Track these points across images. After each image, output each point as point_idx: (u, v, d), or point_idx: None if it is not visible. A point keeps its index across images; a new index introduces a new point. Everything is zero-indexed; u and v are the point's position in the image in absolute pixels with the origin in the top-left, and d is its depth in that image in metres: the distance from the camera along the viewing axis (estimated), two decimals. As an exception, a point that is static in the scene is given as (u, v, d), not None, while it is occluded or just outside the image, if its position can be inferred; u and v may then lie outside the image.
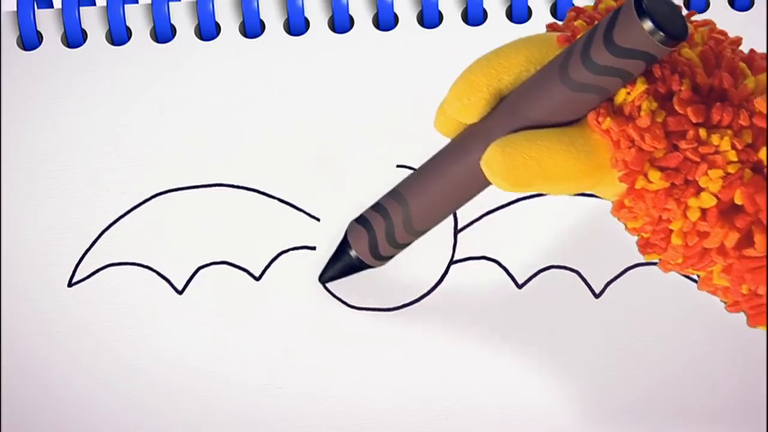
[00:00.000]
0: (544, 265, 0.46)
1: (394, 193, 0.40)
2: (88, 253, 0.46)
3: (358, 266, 0.43)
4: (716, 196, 0.34)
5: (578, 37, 0.35)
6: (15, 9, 0.49)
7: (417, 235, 0.41)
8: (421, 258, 0.46)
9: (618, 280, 0.45)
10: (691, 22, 0.36)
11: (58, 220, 0.46)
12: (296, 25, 0.48)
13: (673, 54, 0.35)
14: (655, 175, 0.34)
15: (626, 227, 0.36)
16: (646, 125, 0.34)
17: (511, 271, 0.46)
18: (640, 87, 0.34)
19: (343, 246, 0.43)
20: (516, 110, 0.36)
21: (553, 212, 0.46)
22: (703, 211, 0.34)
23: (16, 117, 0.47)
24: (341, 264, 0.44)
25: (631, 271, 0.45)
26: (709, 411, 0.44)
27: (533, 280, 0.45)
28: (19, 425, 0.44)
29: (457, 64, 0.47)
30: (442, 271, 0.46)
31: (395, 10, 0.48)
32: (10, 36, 0.48)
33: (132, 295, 0.46)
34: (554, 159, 0.35)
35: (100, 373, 0.45)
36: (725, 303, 0.36)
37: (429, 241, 0.46)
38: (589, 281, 0.45)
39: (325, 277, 0.45)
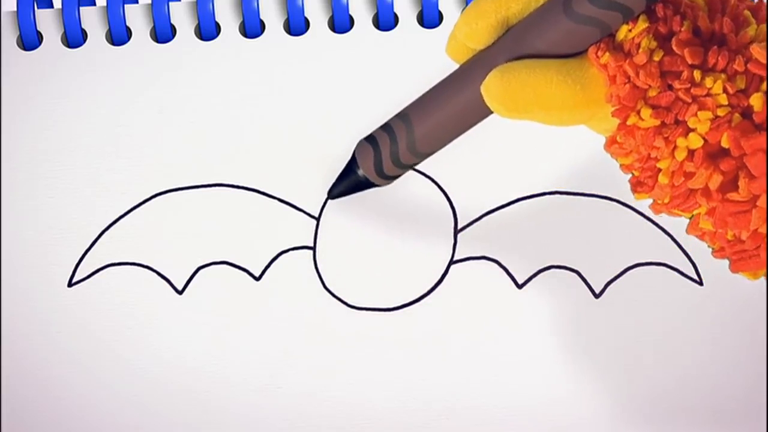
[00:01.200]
0: (544, 265, 0.46)
1: (402, 114, 0.41)
2: (88, 253, 0.46)
3: (364, 184, 0.43)
4: (704, 138, 0.34)
5: None
6: (15, 9, 0.49)
7: (421, 157, 0.41)
8: (421, 258, 0.46)
9: (618, 280, 0.45)
10: None
11: (58, 220, 0.46)
12: (296, 25, 0.48)
13: None
14: (646, 113, 0.35)
15: (619, 165, 0.37)
16: (643, 62, 0.35)
17: (511, 271, 0.46)
18: (642, 25, 0.35)
19: (351, 164, 0.43)
20: (520, 39, 0.36)
21: (553, 212, 0.46)
22: (690, 152, 0.35)
23: (16, 117, 0.47)
24: (348, 181, 0.44)
25: (631, 271, 0.45)
26: (709, 411, 0.44)
27: (533, 280, 0.45)
28: (19, 425, 0.44)
29: (456, 64, 0.47)
30: (442, 271, 0.46)
31: (395, 10, 0.48)
32: (10, 36, 0.48)
33: (132, 295, 0.46)
34: (551, 88, 0.36)
35: (100, 373, 0.45)
36: (712, 249, 0.36)
37: (429, 241, 0.46)
38: (589, 281, 0.45)
39: (334, 193, 0.45)
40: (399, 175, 0.43)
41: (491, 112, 0.38)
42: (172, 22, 0.48)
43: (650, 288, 0.45)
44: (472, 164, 0.46)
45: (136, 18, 0.48)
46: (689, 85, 0.34)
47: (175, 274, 0.46)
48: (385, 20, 0.48)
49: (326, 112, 0.47)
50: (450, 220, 0.46)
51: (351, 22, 0.48)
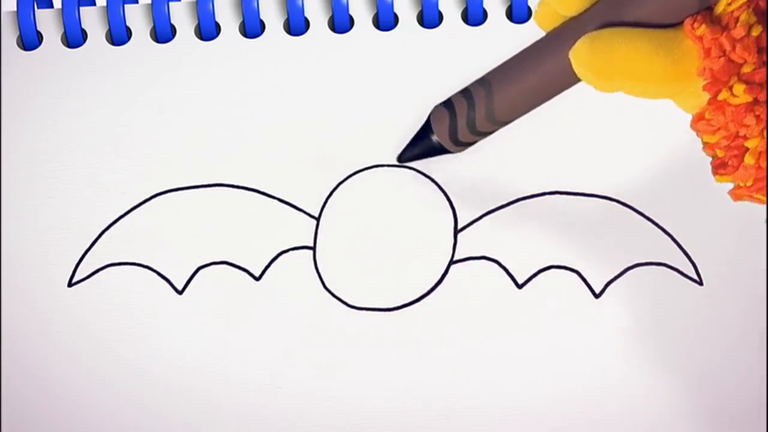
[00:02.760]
0: (544, 265, 0.46)
1: (482, 80, 0.40)
2: (88, 253, 0.46)
3: (437, 149, 0.43)
4: None
5: None
6: (15, 9, 0.49)
7: (498, 125, 0.41)
8: (421, 258, 0.46)
9: (618, 280, 0.45)
10: None
11: (58, 220, 0.46)
12: (296, 25, 0.48)
13: None
14: (739, 88, 0.34)
15: (702, 143, 0.36)
16: (740, 36, 0.34)
17: (511, 271, 0.46)
18: None
19: (425, 128, 0.43)
20: (614, 7, 0.36)
21: (553, 212, 0.46)
22: None
23: (16, 117, 0.47)
24: (421, 145, 0.44)
25: (631, 271, 0.45)
26: (709, 411, 0.44)
27: (533, 280, 0.45)
28: (19, 425, 0.44)
29: (457, 64, 0.47)
30: (442, 271, 0.46)
31: (395, 10, 0.48)
32: (10, 36, 0.48)
33: (132, 295, 0.46)
34: (641, 58, 0.35)
35: (100, 373, 0.45)
36: None
37: (429, 241, 0.46)
38: (589, 281, 0.45)
39: (405, 157, 0.45)
40: (474, 143, 0.42)
41: (576, 81, 0.37)
42: (172, 22, 0.48)
43: (650, 288, 0.45)
44: (472, 164, 0.46)
45: (136, 18, 0.48)
46: None
47: (175, 274, 0.46)
48: (385, 20, 0.48)
49: (326, 112, 0.47)
50: (450, 220, 0.46)
51: (351, 22, 0.48)
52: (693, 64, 0.35)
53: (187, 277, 0.46)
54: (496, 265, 0.46)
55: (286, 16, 0.48)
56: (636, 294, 0.45)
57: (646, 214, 0.46)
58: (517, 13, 0.48)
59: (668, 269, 0.45)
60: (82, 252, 0.46)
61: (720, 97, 0.34)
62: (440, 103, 0.42)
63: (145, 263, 0.46)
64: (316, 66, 0.48)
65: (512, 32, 0.48)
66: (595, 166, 0.46)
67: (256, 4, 0.48)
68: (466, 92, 0.41)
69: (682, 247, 0.45)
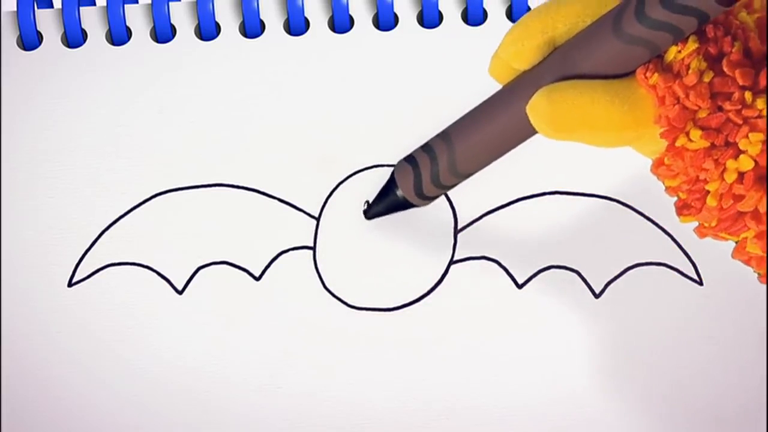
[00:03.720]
0: (544, 265, 0.46)
1: (443, 134, 0.41)
2: (88, 253, 0.46)
3: (402, 204, 0.43)
4: (755, 160, 0.34)
5: None
6: (15, 9, 0.49)
7: (461, 178, 0.41)
8: (421, 258, 0.46)
9: (618, 280, 0.45)
10: None
11: (58, 220, 0.46)
12: (296, 25, 0.48)
13: (728, 17, 0.35)
14: (696, 134, 0.34)
15: (664, 187, 0.36)
16: (693, 83, 0.34)
17: (511, 271, 0.46)
18: (691, 46, 0.35)
19: (390, 184, 0.43)
20: (567, 59, 0.36)
21: (553, 212, 0.46)
22: (741, 174, 0.34)
23: (16, 117, 0.47)
24: (386, 201, 0.44)
25: (631, 271, 0.45)
26: (709, 410, 0.44)
27: (533, 280, 0.45)
28: (19, 425, 0.44)
29: (457, 64, 0.47)
30: (442, 271, 0.46)
31: (395, 10, 0.48)
32: (10, 36, 0.48)
33: (132, 295, 0.46)
34: (598, 109, 0.35)
35: (100, 373, 0.45)
36: (758, 274, 0.36)
37: (429, 241, 0.46)
38: (589, 281, 0.45)
39: (371, 213, 0.45)
40: (438, 196, 0.43)
41: (534, 133, 0.38)
42: (172, 22, 0.48)
43: (650, 288, 0.45)
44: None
45: (136, 18, 0.48)
46: (740, 106, 0.34)
47: (175, 274, 0.46)
48: (385, 20, 0.48)
49: (326, 112, 0.47)
50: (450, 220, 0.46)
51: (351, 22, 0.48)
52: (649, 112, 0.35)
53: (187, 277, 0.46)
54: (496, 265, 0.46)
55: (286, 16, 0.48)
56: (636, 294, 0.45)
57: (646, 214, 0.46)
58: (517, 13, 0.48)
59: (668, 269, 0.45)
60: (82, 252, 0.46)
61: (678, 144, 0.35)
62: (403, 159, 0.42)
63: (145, 263, 0.46)
64: (316, 66, 0.48)
65: (512, 32, 0.48)
66: (595, 166, 0.46)
67: (256, 4, 0.48)
68: (426, 147, 0.41)
69: (682, 247, 0.45)
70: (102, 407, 0.45)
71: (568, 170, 0.46)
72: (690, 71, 0.34)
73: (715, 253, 0.45)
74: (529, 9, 0.48)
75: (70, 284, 0.46)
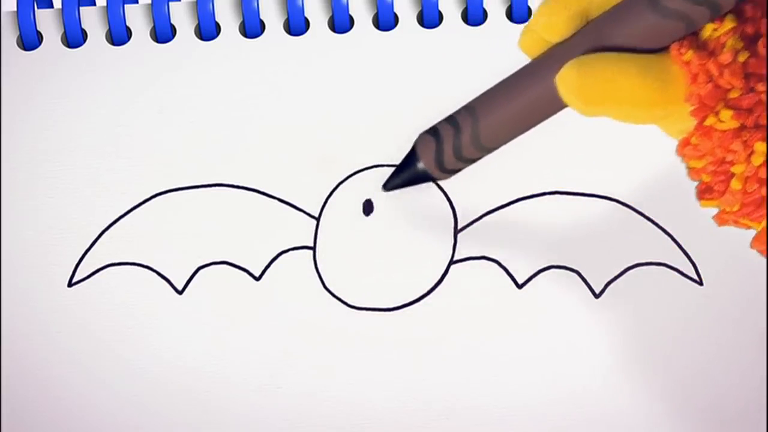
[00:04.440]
0: (544, 265, 0.46)
1: (468, 106, 0.40)
2: (88, 253, 0.46)
3: (423, 177, 0.43)
4: None
5: None
6: (15, 9, 0.49)
7: (484, 151, 0.40)
8: (421, 258, 0.46)
9: (618, 280, 0.45)
10: None
11: (58, 220, 0.46)
12: (296, 25, 0.48)
13: None
14: (726, 114, 0.34)
15: (688, 168, 0.36)
16: (727, 62, 0.34)
17: (511, 271, 0.46)
18: (728, 24, 0.34)
19: (411, 156, 0.43)
20: (600, 32, 0.36)
21: (553, 212, 0.46)
22: None
23: (16, 117, 0.47)
24: (407, 174, 0.43)
25: (631, 271, 0.45)
26: (709, 410, 0.44)
27: (533, 280, 0.45)
28: (19, 425, 0.44)
29: (457, 64, 0.47)
30: (442, 271, 0.46)
31: (395, 10, 0.48)
32: (10, 36, 0.48)
33: (132, 295, 0.46)
34: (628, 83, 0.35)
35: (100, 373, 0.45)
36: None
37: (429, 241, 0.46)
38: (589, 281, 0.45)
39: (390, 185, 0.44)
40: (459, 170, 0.42)
41: (563, 107, 0.37)
42: (172, 22, 0.48)
43: (650, 288, 0.45)
44: (472, 164, 0.46)
45: (136, 18, 0.48)
46: None
47: (175, 274, 0.46)
48: (385, 20, 0.48)
49: (326, 112, 0.47)
50: (450, 220, 0.46)
51: (351, 22, 0.48)
52: (680, 89, 0.35)
53: (187, 277, 0.46)
54: (496, 265, 0.46)
55: (286, 16, 0.48)
56: (636, 294, 0.45)
57: (646, 214, 0.46)
58: (517, 13, 0.48)
59: (668, 269, 0.45)
60: (82, 252, 0.46)
61: (707, 123, 0.34)
62: (425, 131, 0.42)
63: (145, 263, 0.46)
64: (316, 66, 0.48)
65: (512, 32, 0.48)
66: (595, 166, 0.46)
67: (256, 4, 0.48)
68: (451, 119, 0.41)
69: (682, 247, 0.45)
70: (102, 407, 0.45)
71: (568, 170, 0.46)
72: (725, 49, 0.34)
73: (715, 253, 0.45)
74: (529, 9, 0.48)
75: (70, 284, 0.46)
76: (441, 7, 0.48)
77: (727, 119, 0.34)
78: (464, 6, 0.48)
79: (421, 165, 0.42)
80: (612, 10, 0.36)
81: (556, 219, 0.46)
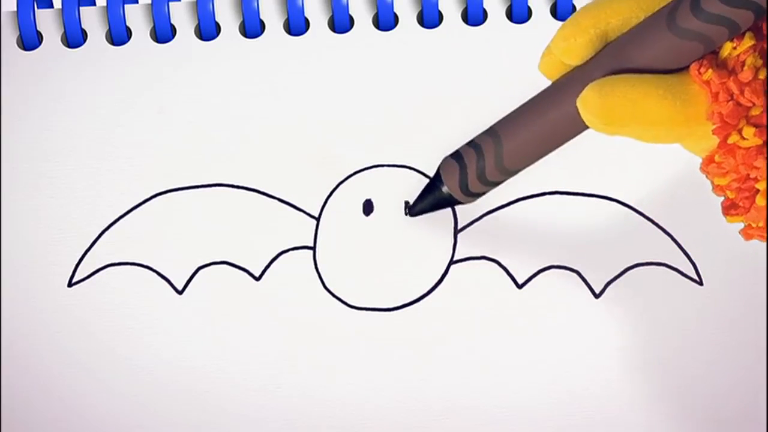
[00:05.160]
0: (544, 265, 0.46)
1: (490, 130, 0.40)
2: (88, 253, 0.46)
3: (448, 201, 0.43)
4: None
5: None
6: (15, 9, 0.49)
7: (508, 175, 0.41)
8: (421, 258, 0.46)
9: (618, 280, 0.45)
10: None
11: (58, 220, 0.46)
12: (296, 25, 0.48)
13: None
14: (749, 131, 0.34)
15: (712, 185, 0.36)
16: (748, 80, 0.34)
17: (511, 271, 0.46)
18: (748, 42, 0.34)
19: (435, 180, 0.43)
20: (619, 54, 0.36)
21: (553, 212, 0.46)
22: None
23: (16, 117, 0.47)
24: (432, 198, 0.43)
25: (631, 271, 0.45)
26: (709, 411, 0.44)
27: (533, 280, 0.45)
28: (19, 425, 0.44)
29: (456, 64, 0.47)
30: (442, 271, 0.46)
31: (395, 10, 0.48)
32: (10, 36, 0.48)
33: (132, 295, 0.46)
34: (650, 103, 0.35)
35: (100, 373, 0.45)
36: None
37: (429, 241, 0.46)
38: (589, 281, 0.45)
39: (415, 211, 0.45)
40: (484, 193, 0.43)
41: (585, 128, 0.37)
42: (172, 22, 0.48)
43: (650, 288, 0.45)
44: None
45: (136, 18, 0.48)
46: None
47: (175, 274, 0.46)
48: (385, 20, 0.48)
49: (326, 112, 0.47)
50: (450, 220, 0.46)
51: (351, 22, 0.48)
52: (701, 108, 0.35)
53: (187, 277, 0.46)
54: (496, 265, 0.46)
55: (286, 16, 0.48)
56: (636, 294, 0.45)
57: (646, 214, 0.46)
58: (517, 13, 0.48)
59: (668, 269, 0.45)
60: (82, 252, 0.46)
61: (730, 141, 0.35)
62: (449, 155, 0.42)
63: (145, 263, 0.46)
64: (316, 66, 0.48)
65: (512, 32, 0.48)
66: (596, 167, 0.46)
67: (256, 4, 0.48)
68: (473, 143, 0.41)
69: (682, 247, 0.45)
70: (102, 407, 0.45)
71: (568, 170, 0.46)
72: (745, 67, 0.34)
73: (715, 253, 0.45)
74: (528, 9, 0.48)
75: (70, 284, 0.46)
76: (441, 7, 0.48)
77: (749, 136, 0.34)
78: (464, 6, 0.48)
79: (446, 189, 0.43)
80: (630, 32, 0.36)
81: (556, 219, 0.46)
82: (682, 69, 0.35)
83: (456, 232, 0.46)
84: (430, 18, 0.48)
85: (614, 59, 0.36)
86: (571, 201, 0.46)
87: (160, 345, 0.45)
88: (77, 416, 0.44)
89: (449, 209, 0.46)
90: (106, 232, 0.46)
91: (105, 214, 0.46)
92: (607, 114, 0.35)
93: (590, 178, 0.46)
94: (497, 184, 0.42)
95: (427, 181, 0.44)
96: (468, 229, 0.46)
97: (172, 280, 0.46)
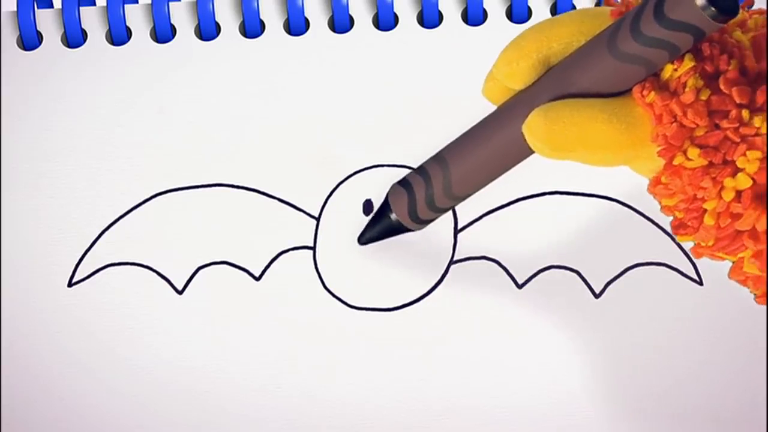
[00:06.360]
0: (544, 265, 0.46)
1: (438, 157, 0.41)
2: (88, 253, 0.46)
3: (397, 229, 0.43)
4: (752, 178, 0.34)
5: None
6: (15, 9, 0.49)
7: (456, 201, 0.41)
8: (421, 258, 0.46)
9: (618, 280, 0.45)
10: (746, 9, 0.36)
11: (58, 220, 0.46)
12: (296, 25, 0.48)
13: (723, 35, 0.35)
14: (693, 152, 0.34)
15: (660, 206, 0.36)
16: (690, 101, 0.34)
17: (511, 271, 0.46)
18: (688, 64, 0.34)
19: (384, 208, 0.43)
20: (562, 78, 0.36)
21: (553, 212, 0.46)
22: (738, 193, 0.34)
23: (16, 117, 0.47)
24: (380, 226, 0.44)
25: (631, 271, 0.45)
26: (709, 411, 0.44)
27: (533, 280, 0.45)
28: (19, 425, 0.44)
29: (456, 64, 0.47)
30: (442, 271, 0.46)
31: (395, 10, 0.48)
32: (10, 36, 0.48)
33: (132, 295, 0.46)
34: (595, 127, 0.35)
35: (100, 373, 0.45)
36: (755, 295, 0.36)
37: (429, 241, 0.46)
38: (589, 281, 0.45)
39: (364, 239, 0.45)
40: (432, 219, 0.43)
41: (531, 153, 0.38)
42: (172, 22, 0.48)
43: (650, 288, 0.45)
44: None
45: (136, 18, 0.48)
46: (737, 124, 0.34)
47: (175, 274, 0.46)
48: (385, 20, 0.48)
49: (326, 112, 0.47)
50: (450, 220, 0.46)
51: (351, 22, 0.48)
52: (646, 130, 0.35)
53: (187, 277, 0.46)
54: (496, 265, 0.46)
55: (286, 16, 0.48)
56: (636, 294, 0.45)
57: (646, 214, 0.46)
58: (517, 13, 0.48)
59: (668, 269, 0.45)
60: (82, 252, 0.46)
61: (675, 162, 0.35)
62: (397, 182, 0.42)
63: (145, 263, 0.46)
64: (316, 66, 0.48)
65: (512, 32, 0.47)
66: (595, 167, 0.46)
67: (256, 4, 0.48)
68: (421, 170, 0.41)
69: (682, 247, 0.45)
70: (102, 407, 0.45)
71: (568, 170, 0.46)
72: (687, 89, 0.34)
73: (715, 253, 0.45)
74: (529, 9, 0.48)
75: (70, 284, 0.46)
76: (441, 7, 0.48)
77: (694, 157, 0.34)
78: (464, 6, 0.48)
79: (394, 216, 0.43)
80: (572, 56, 0.36)
81: (556, 219, 0.46)
82: (625, 92, 0.35)
83: (456, 232, 0.46)
84: (430, 18, 0.48)
85: (558, 83, 0.36)
86: (571, 201, 0.46)
87: (160, 345, 0.45)
88: (77, 416, 0.44)
89: (450, 210, 0.46)
90: (106, 232, 0.46)
91: (105, 214, 0.46)
92: (553, 140, 0.35)
93: (590, 178, 0.46)
94: (446, 210, 0.42)
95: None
96: (468, 229, 0.46)
97: (172, 280, 0.46)
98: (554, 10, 0.48)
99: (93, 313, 0.45)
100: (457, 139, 0.40)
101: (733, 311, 0.45)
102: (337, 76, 0.48)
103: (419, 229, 0.43)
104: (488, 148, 0.38)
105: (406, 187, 0.42)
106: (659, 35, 0.34)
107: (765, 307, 0.45)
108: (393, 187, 0.43)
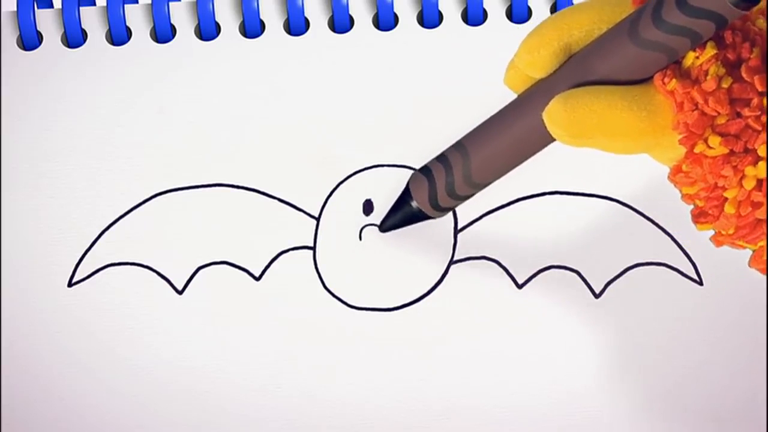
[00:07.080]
0: (544, 265, 0.46)
1: (458, 144, 0.41)
2: (88, 253, 0.46)
3: (417, 216, 0.43)
4: None
5: None
6: (15, 9, 0.49)
7: (476, 188, 0.41)
8: (421, 258, 0.46)
9: (618, 280, 0.45)
10: None
11: (58, 220, 0.46)
12: (296, 25, 0.48)
13: (746, 23, 0.35)
14: (715, 140, 0.34)
15: (681, 194, 0.36)
16: (712, 89, 0.34)
17: (511, 271, 0.46)
18: (710, 51, 0.34)
19: (405, 195, 0.43)
20: (583, 66, 0.36)
21: (553, 212, 0.46)
22: (759, 181, 0.34)
23: (16, 117, 0.47)
24: (401, 214, 0.44)
25: (631, 271, 0.45)
26: (709, 411, 0.44)
27: (533, 280, 0.45)
28: (19, 425, 0.44)
29: (456, 64, 0.47)
30: (442, 271, 0.46)
31: (395, 10, 0.48)
32: (10, 36, 0.48)
33: (132, 295, 0.46)
34: (615, 115, 0.35)
35: (100, 373, 0.45)
36: None
37: (429, 241, 0.46)
38: (589, 281, 0.45)
39: (386, 226, 0.45)
40: (453, 207, 0.43)
41: (551, 141, 0.38)
42: (172, 22, 0.48)
43: (650, 288, 0.45)
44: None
45: (136, 18, 0.48)
46: (759, 112, 0.34)
47: (175, 274, 0.46)
48: (385, 20, 0.48)
49: (326, 112, 0.47)
50: (450, 220, 0.46)
51: (351, 22, 0.48)
52: (667, 118, 0.35)
53: (187, 277, 0.46)
54: (496, 265, 0.46)
55: (286, 16, 0.48)
56: (636, 294, 0.45)
57: (646, 214, 0.46)
58: (517, 13, 0.48)
59: (668, 269, 0.45)
60: (82, 252, 0.46)
61: (696, 150, 0.35)
62: (418, 170, 0.42)
63: (145, 263, 0.46)
64: (316, 66, 0.48)
65: (512, 32, 0.48)
66: (595, 166, 0.46)
67: (256, 4, 0.48)
68: (442, 158, 0.41)
69: (682, 247, 0.45)
70: (102, 407, 0.45)
71: (568, 170, 0.46)
72: (709, 77, 0.34)
73: (715, 253, 0.45)
74: (529, 9, 0.48)
75: (70, 284, 0.46)
76: (441, 7, 0.48)
77: (715, 145, 0.34)
78: (464, 6, 0.48)
79: (415, 204, 0.43)
80: (593, 44, 0.36)
81: (556, 219, 0.46)
82: (647, 79, 0.35)
83: (456, 232, 0.46)
84: (430, 18, 0.48)
85: (578, 71, 0.36)
86: (571, 201, 0.46)
87: (160, 345, 0.45)
88: (77, 416, 0.44)
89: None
90: (106, 232, 0.46)
91: (105, 214, 0.46)
92: (573, 126, 0.35)
93: (590, 178, 0.46)
94: (467, 198, 0.42)
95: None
96: (468, 229, 0.46)
97: (172, 280, 0.46)
98: (554, 11, 0.48)
99: (93, 313, 0.45)
100: (477, 127, 0.40)
101: (733, 311, 0.45)
102: (337, 76, 0.48)
103: (440, 216, 0.43)
104: (509, 135, 0.38)
105: (427, 174, 0.42)
106: (681, 23, 0.33)
107: (765, 307, 0.45)
108: (414, 174, 0.43)
